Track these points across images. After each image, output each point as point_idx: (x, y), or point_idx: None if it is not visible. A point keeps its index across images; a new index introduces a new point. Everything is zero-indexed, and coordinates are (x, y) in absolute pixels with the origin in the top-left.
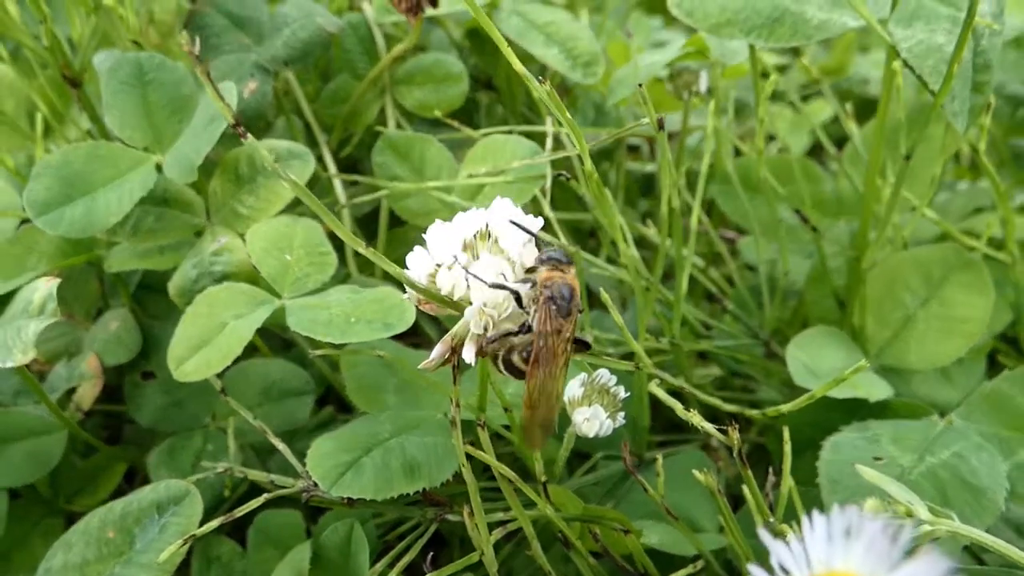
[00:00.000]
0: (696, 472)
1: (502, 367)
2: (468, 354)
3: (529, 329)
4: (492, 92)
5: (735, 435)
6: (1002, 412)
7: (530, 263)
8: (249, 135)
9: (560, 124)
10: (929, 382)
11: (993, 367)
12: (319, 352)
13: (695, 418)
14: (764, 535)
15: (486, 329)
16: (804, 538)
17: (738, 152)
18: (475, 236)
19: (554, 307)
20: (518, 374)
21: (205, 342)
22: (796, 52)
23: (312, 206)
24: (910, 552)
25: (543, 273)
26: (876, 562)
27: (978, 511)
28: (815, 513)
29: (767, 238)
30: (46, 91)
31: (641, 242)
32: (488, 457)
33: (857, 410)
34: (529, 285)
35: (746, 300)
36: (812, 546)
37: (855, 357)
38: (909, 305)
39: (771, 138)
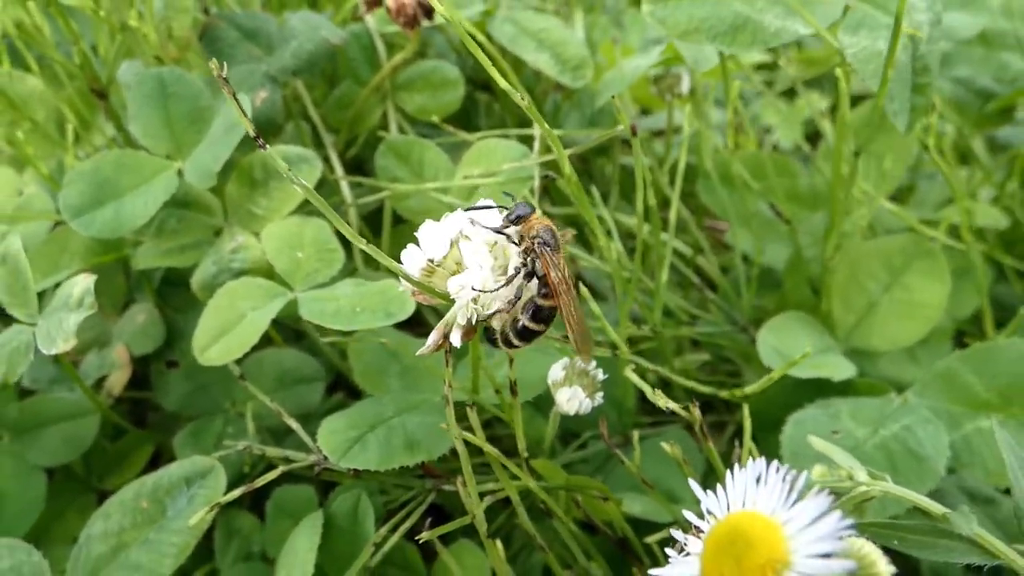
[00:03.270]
0: (664, 444)
1: (514, 337)
2: (456, 338)
3: (531, 274)
4: (490, 93)
5: (696, 411)
6: (952, 389)
7: (512, 246)
8: (267, 145)
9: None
10: (896, 363)
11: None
12: (329, 339)
13: (660, 399)
14: (694, 486)
15: (476, 315)
16: (726, 487)
17: (723, 147)
18: (460, 233)
19: (548, 248)
20: (529, 337)
21: (226, 331)
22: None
23: (320, 207)
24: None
25: (522, 227)
26: (776, 503)
27: (921, 476)
28: (735, 467)
29: (746, 230)
30: (74, 101)
31: (634, 234)
32: (473, 437)
33: (824, 390)
34: (516, 240)
35: (728, 290)
36: (731, 493)
37: (824, 341)
38: (873, 291)
39: (767, 131)
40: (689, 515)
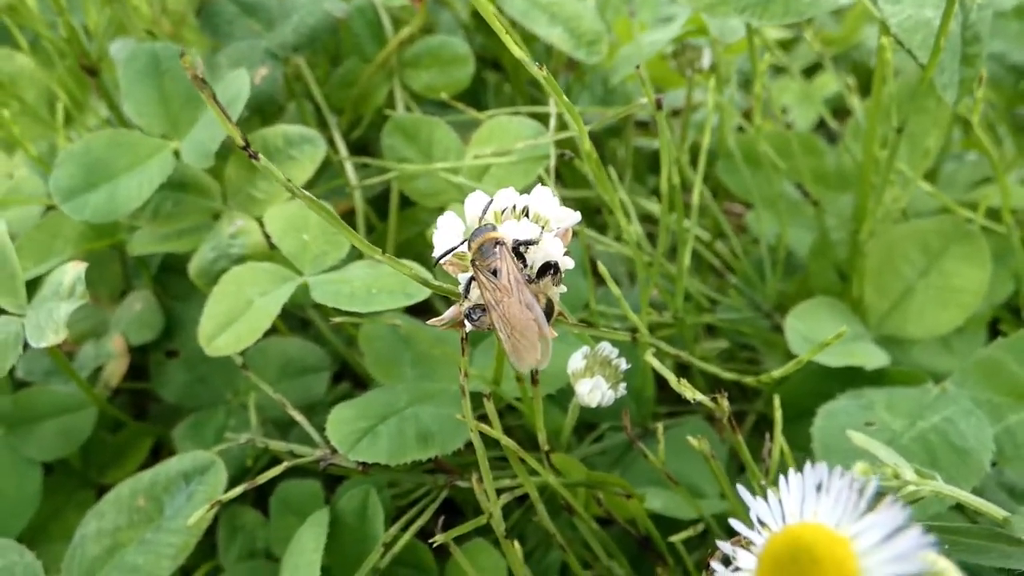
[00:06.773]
0: (690, 438)
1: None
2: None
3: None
4: (499, 71)
5: (724, 402)
6: (995, 378)
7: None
8: (262, 157)
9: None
10: (930, 351)
11: (996, 336)
12: (339, 319)
13: (686, 389)
14: (743, 492)
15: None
16: (780, 494)
17: (742, 127)
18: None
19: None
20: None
21: (234, 319)
22: (805, 23)
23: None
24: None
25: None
26: (843, 514)
27: (964, 472)
28: (790, 471)
29: (770, 212)
30: (65, 80)
31: (649, 218)
32: (490, 429)
33: (855, 379)
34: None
35: (750, 274)
36: (787, 501)
37: (854, 327)
38: (908, 276)
39: (784, 111)
40: (738, 525)
